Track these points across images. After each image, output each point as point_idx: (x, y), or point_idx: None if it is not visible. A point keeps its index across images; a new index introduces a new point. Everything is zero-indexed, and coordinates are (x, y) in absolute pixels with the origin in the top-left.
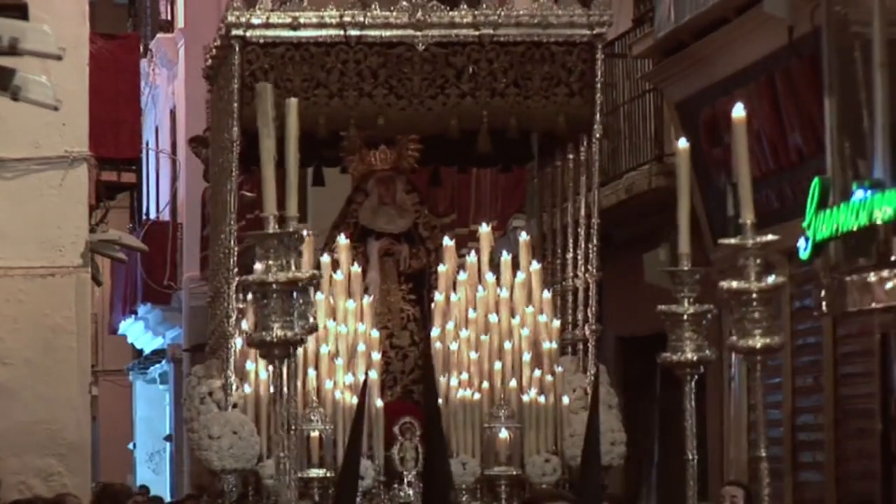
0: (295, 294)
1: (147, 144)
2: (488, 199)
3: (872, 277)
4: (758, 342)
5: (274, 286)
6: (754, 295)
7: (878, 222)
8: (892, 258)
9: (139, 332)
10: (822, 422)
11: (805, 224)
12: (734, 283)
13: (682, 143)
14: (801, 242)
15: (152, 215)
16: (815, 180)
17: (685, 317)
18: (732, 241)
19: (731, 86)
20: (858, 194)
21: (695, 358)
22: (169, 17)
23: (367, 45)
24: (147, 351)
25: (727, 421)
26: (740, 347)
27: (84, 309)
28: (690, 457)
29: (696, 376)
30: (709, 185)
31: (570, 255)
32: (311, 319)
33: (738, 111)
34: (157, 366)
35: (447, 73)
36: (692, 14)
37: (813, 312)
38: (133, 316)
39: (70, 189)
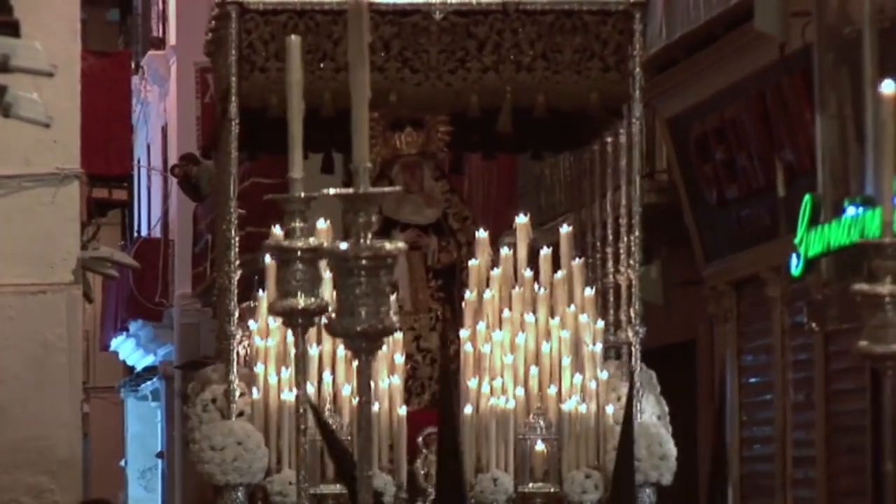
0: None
1: (138, 161)
2: (481, 213)
3: None
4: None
5: (298, 252)
6: None
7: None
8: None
9: (130, 349)
10: (814, 438)
11: (797, 241)
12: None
13: (890, 87)
14: (793, 259)
15: (144, 232)
16: (807, 197)
17: (888, 299)
18: None
19: (723, 102)
20: (850, 211)
21: None
22: (160, 35)
23: (379, 13)
24: (138, 368)
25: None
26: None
27: (75, 326)
28: (890, 468)
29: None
30: (700, 202)
31: (609, 250)
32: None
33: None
34: (149, 383)
35: (468, 44)
36: (683, 30)
37: (804, 329)
38: (124, 333)
39: (61, 206)
